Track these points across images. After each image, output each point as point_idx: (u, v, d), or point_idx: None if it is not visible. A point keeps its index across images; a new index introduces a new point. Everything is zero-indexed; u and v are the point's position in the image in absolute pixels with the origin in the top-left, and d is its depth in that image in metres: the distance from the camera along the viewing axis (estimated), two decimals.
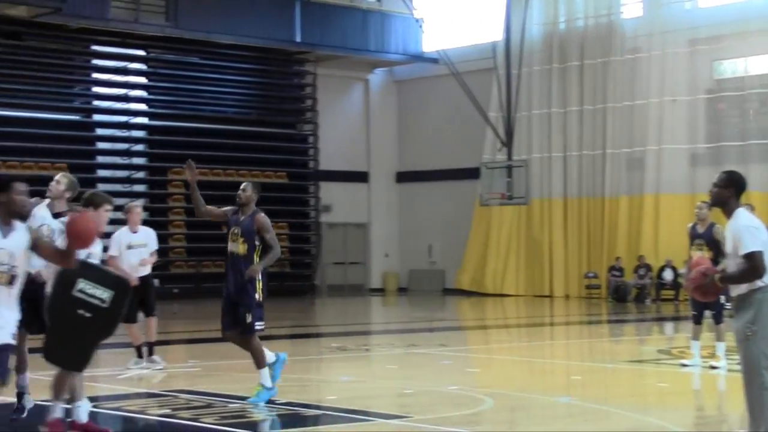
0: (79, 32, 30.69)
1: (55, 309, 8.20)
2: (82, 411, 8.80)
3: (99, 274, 8.26)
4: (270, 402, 10.45)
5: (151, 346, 13.57)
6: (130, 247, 13.44)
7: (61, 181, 9.47)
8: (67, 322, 8.14)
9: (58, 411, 8.61)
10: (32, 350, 9.56)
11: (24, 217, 6.96)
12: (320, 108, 35.65)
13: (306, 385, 12.54)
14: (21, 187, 6.95)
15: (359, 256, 37.22)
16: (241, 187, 10.81)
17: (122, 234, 13.54)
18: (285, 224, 34.67)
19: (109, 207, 9.02)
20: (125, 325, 13.23)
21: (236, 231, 10.61)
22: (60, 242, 8.73)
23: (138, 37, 31.82)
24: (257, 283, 10.51)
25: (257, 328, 10.48)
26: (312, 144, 35.73)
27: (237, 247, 10.56)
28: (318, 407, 10.77)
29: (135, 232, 13.59)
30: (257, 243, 10.60)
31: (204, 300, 29.58)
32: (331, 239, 36.31)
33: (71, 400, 8.80)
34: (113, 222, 12.46)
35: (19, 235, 6.89)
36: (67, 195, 9.46)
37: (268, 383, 10.48)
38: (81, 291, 8.10)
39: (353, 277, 36.99)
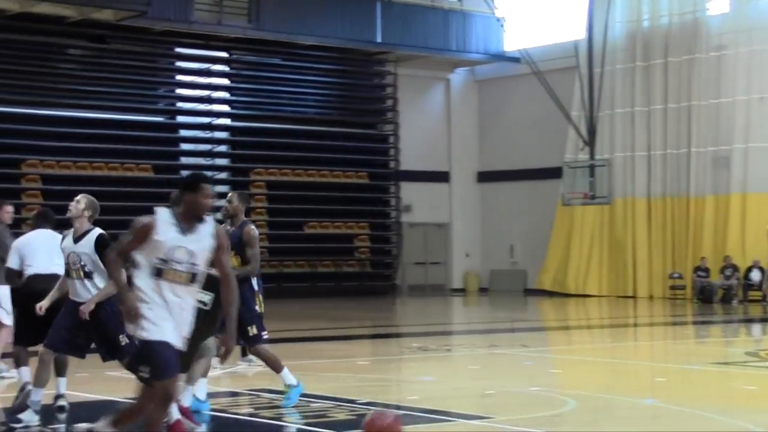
0: (163, 35, 31.10)
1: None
2: (187, 395, 8.94)
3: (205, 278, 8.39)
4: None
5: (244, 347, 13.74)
6: None
7: (80, 200, 9.64)
8: None
9: (174, 413, 8.70)
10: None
11: (202, 219, 6.99)
12: (401, 108, 35.66)
13: (387, 385, 12.53)
14: (208, 189, 7.00)
15: (440, 256, 37.14)
16: (227, 198, 10.41)
17: None
18: (366, 224, 34.77)
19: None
20: None
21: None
22: (89, 265, 9.31)
23: (221, 38, 32.15)
24: (256, 295, 10.26)
25: (264, 337, 10.23)
26: (393, 144, 35.76)
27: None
28: (399, 407, 10.72)
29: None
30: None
31: (286, 300, 29.77)
32: (412, 239, 36.28)
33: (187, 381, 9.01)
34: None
35: (202, 236, 6.97)
36: (87, 214, 9.58)
37: (293, 380, 10.34)
38: None
39: (434, 277, 36.92)
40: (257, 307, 10.27)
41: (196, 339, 8.45)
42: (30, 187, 28.64)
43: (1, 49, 28.43)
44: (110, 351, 9.61)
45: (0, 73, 28.48)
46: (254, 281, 10.33)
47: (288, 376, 10.38)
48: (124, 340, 9.39)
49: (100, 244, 9.33)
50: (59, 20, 29.15)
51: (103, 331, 9.45)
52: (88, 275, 9.34)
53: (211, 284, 8.41)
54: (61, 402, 10.10)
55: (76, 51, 30.60)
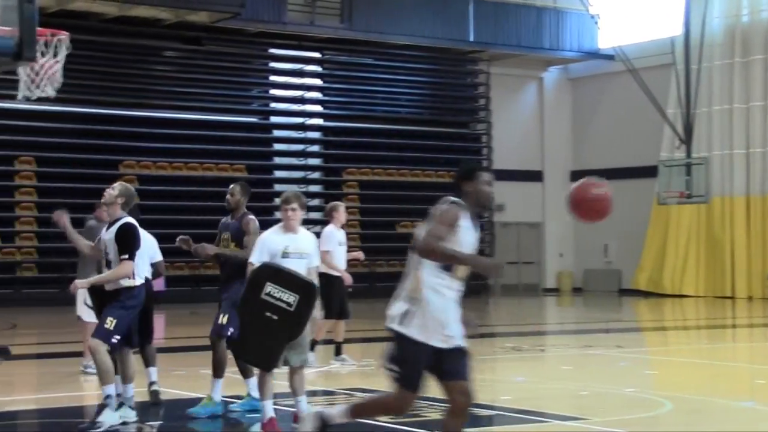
0: (256, 36, 31.42)
1: (245, 310, 8.50)
2: (303, 405, 8.93)
3: (288, 278, 8.48)
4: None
5: (339, 345, 13.79)
6: (340, 244, 13.65)
7: (116, 187, 9.43)
8: (255, 323, 8.43)
9: (269, 410, 8.79)
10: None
11: (487, 208, 6.83)
12: (493, 107, 35.50)
13: (480, 385, 12.44)
14: (486, 176, 6.79)
15: (533, 255, 36.90)
16: (229, 190, 10.27)
17: (334, 231, 13.67)
18: None
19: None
20: (321, 321, 13.53)
21: (226, 236, 10.13)
22: (111, 254, 9.14)
23: (313, 39, 32.36)
24: None
25: (230, 333, 9.74)
26: (485, 143, 35.62)
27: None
28: (492, 407, 10.65)
29: (340, 230, 13.76)
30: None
31: (378, 299, 29.77)
32: (505, 239, 36.10)
33: (294, 395, 9.00)
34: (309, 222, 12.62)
35: (477, 228, 6.75)
36: (119, 201, 9.30)
37: (256, 393, 9.55)
38: (269, 295, 8.40)
39: (527, 277, 36.69)
40: None
41: (279, 341, 8.51)
42: None
43: (99, 52, 28.95)
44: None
45: (98, 75, 29.04)
46: None
47: (254, 386, 9.81)
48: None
49: (119, 234, 9.15)
50: (155, 23, 29.63)
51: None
52: (108, 264, 9.22)
53: (297, 286, 8.47)
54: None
55: (171, 53, 31.06)
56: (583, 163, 36.67)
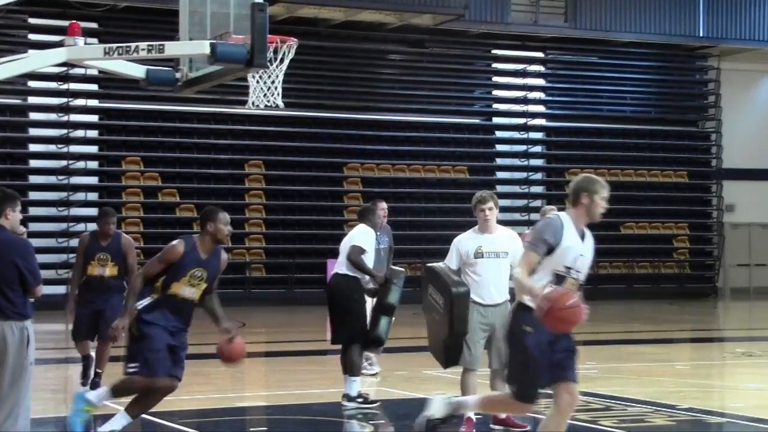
0: (480, 37, 31.45)
1: (424, 307, 8.92)
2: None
3: (440, 282, 8.73)
4: None
5: None
6: None
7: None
8: (429, 321, 8.92)
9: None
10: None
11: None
12: (724, 104, 34.31)
13: (708, 391, 12.08)
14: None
15: (766, 257, 35.46)
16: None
17: None
18: (685, 224, 33.76)
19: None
20: None
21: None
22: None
23: (537, 39, 32.14)
24: None
25: None
26: (715, 141, 34.48)
27: None
28: (722, 415, 10.31)
29: None
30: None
31: (602, 301, 29.34)
32: (735, 240, 34.84)
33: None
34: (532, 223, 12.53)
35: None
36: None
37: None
38: (431, 296, 8.79)
39: (759, 280, 35.29)
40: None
41: (439, 340, 8.68)
42: (351, 189, 29.69)
43: (326, 57, 29.63)
44: None
45: (324, 79, 29.74)
46: None
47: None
48: None
49: None
50: (380, 27, 30.09)
51: None
52: None
53: (444, 290, 8.59)
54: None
55: (395, 56, 31.46)
56: None
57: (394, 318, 10.65)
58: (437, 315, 8.63)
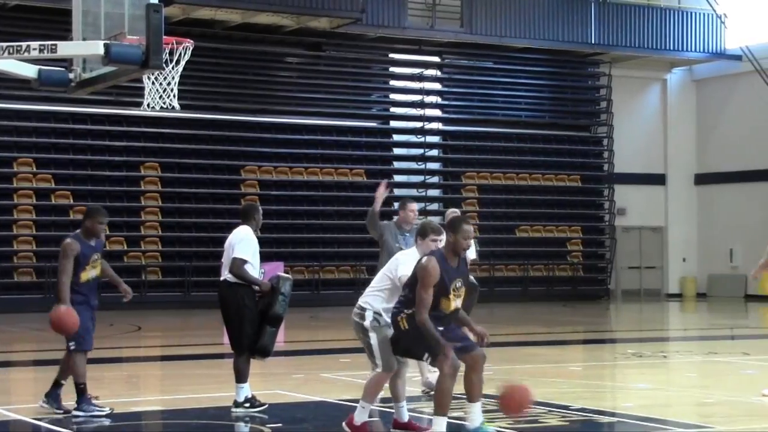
0: (377, 41, 31.57)
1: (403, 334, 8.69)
2: (404, 411, 9.02)
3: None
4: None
5: None
6: None
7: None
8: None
9: (404, 415, 8.99)
10: None
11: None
12: (615, 109, 35.00)
13: (600, 391, 12.29)
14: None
15: (655, 260, 36.27)
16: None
17: None
18: (578, 228, 34.34)
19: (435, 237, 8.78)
20: None
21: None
22: None
23: (433, 43, 32.39)
24: None
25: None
26: (607, 147, 35.14)
27: None
28: (613, 414, 10.50)
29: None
30: None
31: (497, 303, 29.67)
32: (626, 243, 35.57)
33: (395, 401, 9.05)
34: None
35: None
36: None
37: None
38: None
39: (649, 282, 36.09)
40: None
41: None
42: (248, 192, 29.55)
43: (223, 59, 29.47)
44: None
45: (221, 81, 29.56)
46: None
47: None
48: None
49: None
50: (277, 29, 30.01)
51: None
52: None
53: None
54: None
55: (292, 59, 31.41)
56: (708, 167, 35.94)
57: (281, 327, 10.50)
58: None
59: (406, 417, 9.01)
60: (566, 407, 10.37)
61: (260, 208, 10.69)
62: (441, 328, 8.22)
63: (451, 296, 8.27)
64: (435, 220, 14.61)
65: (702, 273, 36.07)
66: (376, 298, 8.69)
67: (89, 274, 10.10)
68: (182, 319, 25.06)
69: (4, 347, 18.62)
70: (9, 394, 12.42)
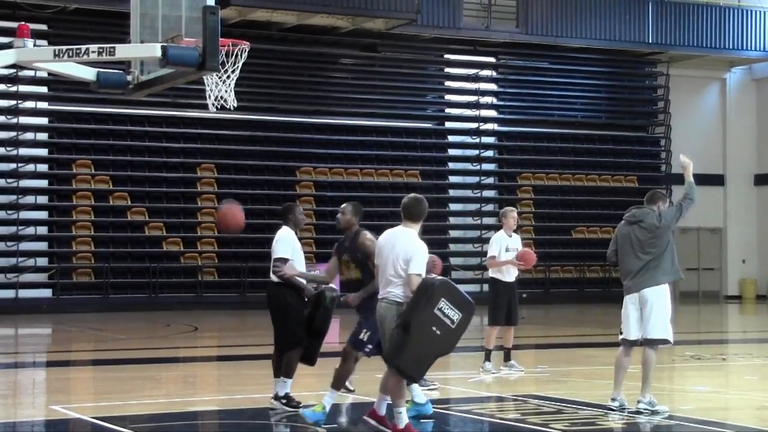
0: (432, 42, 31.51)
1: (415, 320, 8.44)
2: (384, 405, 9.02)
3: (458, 296, 8.52)
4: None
5: (508, 351, 13.68)
6: (507, 249, 13.65)
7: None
8: (421, 334, 8.43)
9: (383, 409, 8.96)
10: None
11: None
12: (673, 110, 34.63)
13: (658, 394, 12.12)
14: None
15: (714, 261, 35.83)
16: (340, 209, 10.17)
17: (501, 237, 13.75)
18: None
19: None
20: (490, 328, 13.60)
21: (346, 258, 9.93)
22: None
23: (488, 44, 32.26)
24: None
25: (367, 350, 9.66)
26: (664, 147, 34.78)
27: (351, 274, 9.90)
28: (671, 417, 10.35)
29: (510, 236, 13.76)
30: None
31: (553, 305, 29.50)
32: (684, 244, 35.15)
33: (382, 391, 9.06)
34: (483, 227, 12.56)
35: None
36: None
37: (421, 399, 10.18)
38: (440, 310, 8.44)
39: (707, 284, 35.66)
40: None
41: (434, 355, 8.56)
42: (304, 194, 29.63)
43: (278, 61, 29.56)
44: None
45: (277, 83, 29.65)
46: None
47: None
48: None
49: None
50: (332, 31, 30.04)
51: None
52: None
53: (463, 305, 8.47)
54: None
55: (348, 60, 31.44)
56: None
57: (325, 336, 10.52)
58: (441, 329, 8.40)
59: (383, 411, 9.02)
60: (623, 410, 10.25)
61: (297, 206, 10.82)
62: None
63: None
64: (491, 221, 14.54)
65: (762, 275, 35.57)
66: None
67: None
68: (238, 320, 25.15)
69: (63, 347, 18.80)
70: (69, 393, 12.51)
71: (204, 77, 13.63)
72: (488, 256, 13.78)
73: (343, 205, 10.21)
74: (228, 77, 14.22)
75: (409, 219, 8.81)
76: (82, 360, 16.85)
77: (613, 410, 10.17)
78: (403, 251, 8.59)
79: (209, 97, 14.48)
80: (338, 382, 9.71)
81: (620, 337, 10.61)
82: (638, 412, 10.10)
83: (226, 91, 14.21)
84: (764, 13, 33.92)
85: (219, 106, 14.20)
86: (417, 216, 8.80)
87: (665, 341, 10.37)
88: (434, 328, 8.39)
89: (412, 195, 9.00)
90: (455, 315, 8.44)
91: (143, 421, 9.88)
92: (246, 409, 10.76)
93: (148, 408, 10.63)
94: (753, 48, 34.42)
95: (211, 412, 10.91)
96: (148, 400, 11.26)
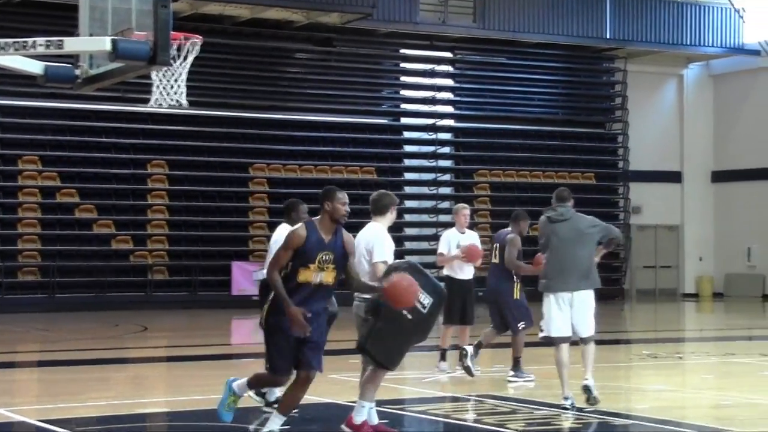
0: (388, 36, 31.25)
1: (384, 306, 8.22)
2: (373, 413, 8.73)
3: (426, 281, 8.34)
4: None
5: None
6: (458, 246, 13.35)
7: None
8: (391, 320, 8.24)
9: (371, 414, 8.67)
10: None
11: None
12: (630, 106, 34.56)
13: (615, 393, 11.97)
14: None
15: (671, 259, 35.82)
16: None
17: (451, 234, 13.51)
18: None
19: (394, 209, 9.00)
20: (444, 327, 13.33)
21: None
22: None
23: (445, 39, 32.03)
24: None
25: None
26: (621, 143, 34.70)
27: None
28: (628, 416, 10.23)
29: (463, 233, 13.48)
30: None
31: None
32: (641, 242, 35.13)
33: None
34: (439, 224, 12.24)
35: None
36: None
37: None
38: None
39: (665, 282, 35.65)
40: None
41: (407, 341, 8.31)
42: (257, 190, 29.23)
43: (232, 55, 29.15)
44: None
45: (231, 78, 29.23)
46: None
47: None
48: None
49: None
50: (287, 25, 29.71)
51: None
52: None
53: (433, 289, 8.25)
54: None
55: (302, 55, 31.09)
56: (725, 164, 35.47)
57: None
58: (412, 313, 8.18)
59: (375, 420, 8.75)
60: (580, 409, 10.17)
61: (302, 204, 10.43)
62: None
63: (312, 267, 7.97)
64: (447, 218, 14.32)
65: (719, 272, 35.60)
66: None
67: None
68: (189, 319, 24.79)
69: (7, 348, 18.42)
70: (13, 395, 12.17)
71: (151, 73, 13.35)
72: (437, 253, 13.55)
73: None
74: (176, 80, 13.93)
75: (374, 213, 8.95)
76: (27, 361, 16.58)
77: (567, 409, 10.01)
78: (366, 244, 8.65)
79: (154, 92, 14.13)
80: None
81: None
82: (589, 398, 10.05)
83: (176, 93, 13.93)
84: (722, 9, 33.95)
85: (167, 104, 13.88)
86: (379, 210, 8.93)
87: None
88: (405, 312, 8.18)
89: (378, 191, 9.27)
90: (426, 299, 8.26)
91: (90, 423, 9.67)
92: (196, 410, 10.51)
93: (96, 410, 10.51)
94: (710, 44, 34.43)
95: (161, 414, 10.67)
96: (96, 402, 11.12)
